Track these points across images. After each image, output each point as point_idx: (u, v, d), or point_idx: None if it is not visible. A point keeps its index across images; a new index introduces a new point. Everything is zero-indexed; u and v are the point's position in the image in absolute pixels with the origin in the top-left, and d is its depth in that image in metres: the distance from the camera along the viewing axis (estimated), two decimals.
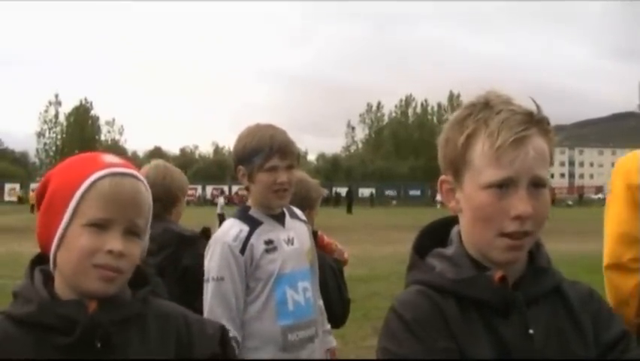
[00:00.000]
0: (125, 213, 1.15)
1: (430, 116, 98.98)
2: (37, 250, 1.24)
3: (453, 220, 1.28)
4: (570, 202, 60.69)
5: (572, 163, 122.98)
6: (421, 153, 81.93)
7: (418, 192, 65.03)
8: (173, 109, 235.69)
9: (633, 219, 2.30)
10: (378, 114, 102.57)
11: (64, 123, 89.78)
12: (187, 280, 2.55)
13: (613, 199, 2.39)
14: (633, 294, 2.22)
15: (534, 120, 1.14)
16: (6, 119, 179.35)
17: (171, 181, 2.79)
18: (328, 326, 2.76)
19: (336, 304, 2.90)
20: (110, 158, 1.22)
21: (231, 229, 2.23)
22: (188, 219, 3.33)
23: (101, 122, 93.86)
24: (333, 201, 49.81)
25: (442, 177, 1.24)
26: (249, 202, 2.34)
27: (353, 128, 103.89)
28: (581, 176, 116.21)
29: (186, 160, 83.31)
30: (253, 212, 2.30)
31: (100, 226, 1.13)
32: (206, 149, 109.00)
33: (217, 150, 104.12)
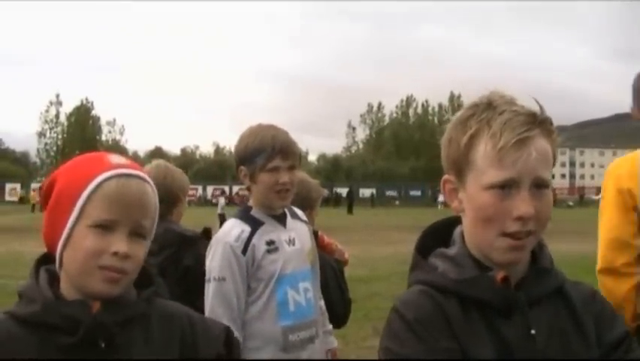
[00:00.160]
0: (130, 214, 1.15)
1: (430, 117, 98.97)
2: (38, 249, 1.24)
3: (455, 220, 1.28)
4: (571, 203, 60.65)
5: (572, 164, 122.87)
6: (421, 153, 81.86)
7: (418, 193, 64.93)
8: (173, 109, 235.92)
9: (625, 224, 2.31)
10: (379, 115, 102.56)
11: (65, 123, 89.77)
12: (188, 281, 2.55)
13: (605, 204, 2.41)
14: (627, 298, 2.23)
15: (537, 121, 1.14)
16: (7, 119, 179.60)
17: (172, 181, 2.79)
18: (329, 327, 2.76)
19: (338, 305, 2.91)
20: (116, 158, 1.22)
21: (233, 229, 2.23)
22: (189, 220, 3.33)
23: (102, 122, 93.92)
24: (334, 201, 49.81)
25: (445, 176, 1.24)
26: (251, 202, 2.35)
27: (354, 129, 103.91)
28: (582, 177, 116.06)
29: (187, 160, 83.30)
30: (254, 212, 2.30)
31: (105, 227, 1.13)
32: (207, 149, 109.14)
33: (218, 150, 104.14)
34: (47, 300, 1.13)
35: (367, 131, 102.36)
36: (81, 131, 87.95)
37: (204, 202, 52.70)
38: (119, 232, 1.14)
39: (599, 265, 2.37)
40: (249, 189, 2.33)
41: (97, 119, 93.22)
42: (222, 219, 19.42)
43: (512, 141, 1.11)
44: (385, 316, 1.20)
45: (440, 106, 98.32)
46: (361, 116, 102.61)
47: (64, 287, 1.17)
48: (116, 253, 1.12)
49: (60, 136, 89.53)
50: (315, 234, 2.92)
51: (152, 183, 1.23)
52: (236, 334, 2.11)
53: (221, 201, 28.79)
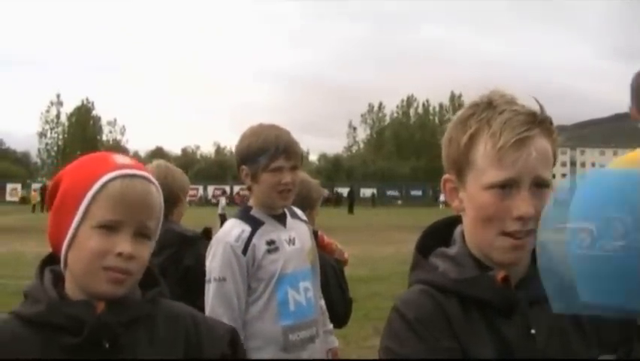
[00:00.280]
0: (135, 215, 1.15)
1: (431, 117, 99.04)
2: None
3: (456, 220, 1.28)
4: None
5: (573, 163, 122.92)
6: (422, 153, 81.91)
7: (419, 193, 64.92)
8: (174, 109, 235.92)
9: None
10: (380, 114, 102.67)
11: (66, 123, 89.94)
12: (188, 281, 2.56)
13: None
14: None
15: (537, 121, 1.14)
16: (7, 120, 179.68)
17: (172, 181, 2.79)
18: (330, 326, 2.76)
19: (339, 304, 2.91)
20: (121, 159, 1.22)
21: (233, 229, 2.23)
22: (190, 220, 3.33)
23: (103, 122, 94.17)
24: (335, 201, 49.80)
25: (445, 176, 1.25)
26: (251, 202, 2.34)
27: (354, 129, 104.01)
28: None
29: (188, 160, 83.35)
30: (255, 212, 2.30)
31: (110, 227, 1.13)
32: (207, 149, 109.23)
33: (218, 150, 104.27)
34: (52, 300, 1.13)
35: (368, 131, 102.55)
36: (82, 132, 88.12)
37: (205, 202, 52.72)
38: (124, 232, 1.14)
39: None
40: (249, 188, 2.33)
41: (97, 119, 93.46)
42: (223, 219, 19.41)
43: (512, 141, 1.11)
44: (386, 316, 1.19)
45: (441, 106, 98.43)
46: (362, 116, 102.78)
47: (69, 287, 1.17)
48: (120, 254, 1.12)
49: (61, 136, 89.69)
50: (315, 234, 2.92)
51: (156, 183, 1.23)
52: None
53: (222, 201, 28.78)
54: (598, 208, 0.81)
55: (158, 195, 1.21)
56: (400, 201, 60.33)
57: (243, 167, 2.28)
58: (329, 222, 17.06)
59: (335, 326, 2.91)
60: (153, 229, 1.20)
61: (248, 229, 2.23)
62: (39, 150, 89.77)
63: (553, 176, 1.25)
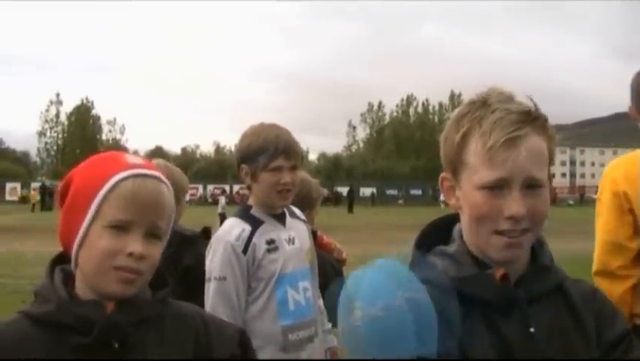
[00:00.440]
0: (146, 215, 1.15)
1: (431, 116, 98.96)
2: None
3: (455, 218, 1.28)
4: (571, 202, 60.70)
5: (573, 163, 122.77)
6: (422, 152, 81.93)
7: (419, 192, 64.97)
8: (174, 108, 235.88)
9: (620, 227, 2.32)
10: (380, 114, 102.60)
11: (66, 123, 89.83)
12: (188, 280, 2.55)
13: (601, 207, 2.42)
14: (622, 300, 2.24)
15: (530, 119, 1.13)
16: (7, 119, 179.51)
17: (171, 181, 2.79)
18: (329, 325, 2.76)
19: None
20: (132, 158, 1.21)
21: (233, 228, 2.23)
22: (189, 219, 3.33)
23: (102, 121, 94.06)
24: (334, 200, 49.80)
25: (443, 174, 1.24)
26: (250, 201, 2.34)
27: (354, 128, 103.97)
28: (582, 176, 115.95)
29: (187, 159, 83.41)
30: (254, 211, 2.30)
31: (121, 227, 1.13)
32: (207, 148, 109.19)
33: (218, 150, 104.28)
34: (62, 300, 1.13)
35: (368, 130, 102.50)
36: (81, 131, 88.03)
37: (204, 201, 52.71)
38: (135, 232, 1.14)
39: (594, 268, 2.38)
40: (249, 187, 2.32)
41: (97, 118, 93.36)
42: (223, 218, 19.41)
43: (501, 140, 1.11)
44: None
45: (441, 105, 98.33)
46: (362, 115, 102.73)
47: (79, 287, 1.17)
48: (131, 254, 1.12)
49: (60, 135, 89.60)
50: (314, 233, 2.92)
51: (168, 183, 1.22)
52: None
53: (222, 200, 28.78)
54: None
55: (169, 195, 1.21)
56: (401, 201, 60.33)
57: (243, 166, 2.28)
58: (328, 222, 17.07)
59: (334, 326, 2.91)
60: (164, 229, 1.20)
61: (248, 228, 2.23)
62: (38, 150, 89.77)
63: (553, 175, 1.25)
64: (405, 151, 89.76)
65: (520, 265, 1.20)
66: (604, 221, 2.39)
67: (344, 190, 51.56)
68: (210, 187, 58.73)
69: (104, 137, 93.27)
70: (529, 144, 1.12)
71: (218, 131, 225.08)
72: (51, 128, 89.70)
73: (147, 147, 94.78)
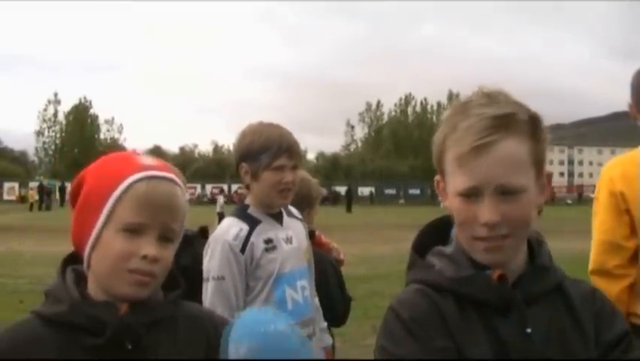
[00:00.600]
0: (160, 218, 1.14)
1: (429, 115, 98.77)
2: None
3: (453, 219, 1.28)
4: (569, 201, 60.82)
5: (571, 162, 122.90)
6: (420, 151, 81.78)
7: (417, 191, 65.00)
8: (172, 108, 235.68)
9: (617, 226, 2.33)
10: (378, 113, 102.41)
11: (64, 122, 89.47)
12: (186, 280, 2.55)
13: (598, 206, 2.43)
14: (619, 300, 2.24)
15: (503, 124, 1.10)
16: (5, 118, 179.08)
17: None
18: (324, 324, 2.76)
19: (338, 303, 2.91)
20: (146, 159, 1.20)
21: (231, 227, 2.22)
22: (188, 218, 3.31)
23: (100, 120, 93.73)
24: (332, 200, 49.79)
25: (437, 176, 1.25)
26: (248, 200, 2.33)
27: (352, 127, 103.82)
28: (580, 175, 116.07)
29: (186, 159, 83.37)
30: (252, 211, 2.29)
31: (134, 230, 1.12)
32: (205, 148, 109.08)
33: (216, 149, 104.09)
34: (74, 300, 1.12)
35: (366, 130, 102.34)
36: (79, 130, 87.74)
37: (203, 201, 52.69)
38: (149, 235, 1.13)
39: (590, 267, 2.39)
40: (247, 187, 2.31)
41: (95, 117, 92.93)
42: (221, 217, 19.39)
43: (468, 148, 1.10)
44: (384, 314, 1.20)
45: (439, 104, 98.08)
46: (360, 114, 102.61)
47: (92, 287, 1.16)
48: (145, 257, 1.11)
49: (58, 135, 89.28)
50: (312, 233, 2.92)
51: (182, 185, 1.21)
52: None
53: (220, 199, 28.78)
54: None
55: (183, 197, 1.20)
56: (402, 201, 60.32)
57: (243, 164, 2.26)
58: (327, 221, 17.08)
59: (334, 325, 2.91)
60: (177, 231, 1.19)
61: (246, 227, 2.22)
62: (36, 149, 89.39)
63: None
64: (403, 151, 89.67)
65: (517, 265, 1.19)
66: (601, 220, 2.39)
67: (342, 190, 51.58)
68: (209, 187, 58.73)
69: (101, 136, 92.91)
70: (501, 150, 1.10)
71: (216, 131, 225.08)
72: (49, 128, 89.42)
73: (145, 146, 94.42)
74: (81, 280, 1.18)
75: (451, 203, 1.17)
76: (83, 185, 1.19)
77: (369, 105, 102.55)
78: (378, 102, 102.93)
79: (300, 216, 2.50)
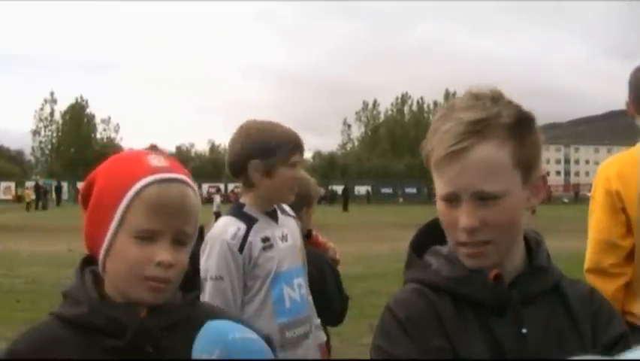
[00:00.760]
0: (173, 222, 1.12)
1: (426, 114, 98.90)
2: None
3: None
4: (566, 200, 61.04)
5: (567, 161, 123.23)
6: (417, 150, 79.51)
7: (414, 190, 65.12)
8: (168, 107, 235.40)
9: (613, 225, 2.33)
10: (375, 112, 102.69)
11: (60, 121, 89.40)
12: (183, 280, 2.54)
13: (594, 205, 2.43)
14: (615, 298, 2.25)
15: (478, 128, 1.09)
16: (1, 118, 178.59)
17: None
18: (318, 321, 2.76)
19: (335, 302, 2.90)
20: (156, 160, 1.17)
21: (229, 227, 2.20)
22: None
23: (97, 120, 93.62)
24: (329, 199, 49.82)
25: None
26: (242, 199, 2.32)
27: (349, 126, 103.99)
28: (577, 174, 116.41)
29: (182, 158, 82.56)
30: (247, 209, 2.27)
31: (147, 237, 1.11)
32: (202, 147, 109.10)
33: (213, 148, 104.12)
34: (93, 301, 1.11)
35: (362, 129, 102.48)
36: (76, 129, 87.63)
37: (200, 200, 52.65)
38: (162, 240, 1.11)
39: (586, 265, 2.39)
40: (253, 184, 2.25)
41: (91, 117, 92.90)
42: (218, 216, 19.33)
43: (444, 154, 1.10)
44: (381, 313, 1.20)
45: (435, 103, 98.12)
46: (356, 113, 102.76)
47: (109, 289, 1.15)
48: (159, 263, 1.10)
49: (55, 134, 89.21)
50: (309, 233, 2.91)
51: (193, 185, 1.19)
52: None
53: (217, 198, 28.72)
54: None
55: (195, 198, 1.18)
56: (401, 199, 60.35)
57: (255, 161, 2.20)
58: (324, 220, 17.11)
59: (331, 324, 2.91)
60: (191, 234, 1.17)
61: (243, 226, 2.21)
62: (33, 148, 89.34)
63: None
64: (400, 149, 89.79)
65: (514, 265, 1.19)
66: (597, 219, 2.40)
67: (339, 189, 51.62)
68: (205, 186, 58.67)
69: (98, 136, 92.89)
70: (475, 156, 1.08)
71: (213, 130, 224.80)
72: (45, 127, 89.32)
73: (142, 145, 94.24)
74: (99, 280, 1.17)
75: (438, 206, 1.18)
76: (94, 186, 1.17)
77: (365, 104, 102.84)
78: (375, 101, 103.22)
79: (292, 213, 2.49)
